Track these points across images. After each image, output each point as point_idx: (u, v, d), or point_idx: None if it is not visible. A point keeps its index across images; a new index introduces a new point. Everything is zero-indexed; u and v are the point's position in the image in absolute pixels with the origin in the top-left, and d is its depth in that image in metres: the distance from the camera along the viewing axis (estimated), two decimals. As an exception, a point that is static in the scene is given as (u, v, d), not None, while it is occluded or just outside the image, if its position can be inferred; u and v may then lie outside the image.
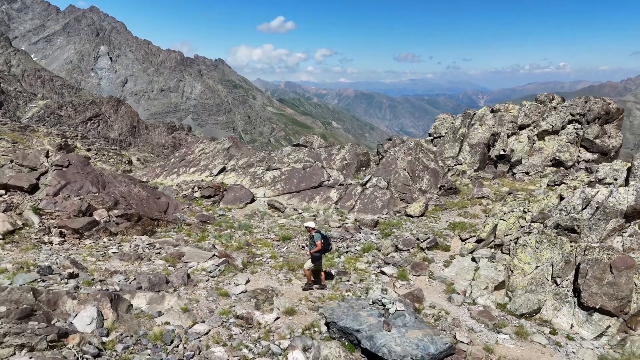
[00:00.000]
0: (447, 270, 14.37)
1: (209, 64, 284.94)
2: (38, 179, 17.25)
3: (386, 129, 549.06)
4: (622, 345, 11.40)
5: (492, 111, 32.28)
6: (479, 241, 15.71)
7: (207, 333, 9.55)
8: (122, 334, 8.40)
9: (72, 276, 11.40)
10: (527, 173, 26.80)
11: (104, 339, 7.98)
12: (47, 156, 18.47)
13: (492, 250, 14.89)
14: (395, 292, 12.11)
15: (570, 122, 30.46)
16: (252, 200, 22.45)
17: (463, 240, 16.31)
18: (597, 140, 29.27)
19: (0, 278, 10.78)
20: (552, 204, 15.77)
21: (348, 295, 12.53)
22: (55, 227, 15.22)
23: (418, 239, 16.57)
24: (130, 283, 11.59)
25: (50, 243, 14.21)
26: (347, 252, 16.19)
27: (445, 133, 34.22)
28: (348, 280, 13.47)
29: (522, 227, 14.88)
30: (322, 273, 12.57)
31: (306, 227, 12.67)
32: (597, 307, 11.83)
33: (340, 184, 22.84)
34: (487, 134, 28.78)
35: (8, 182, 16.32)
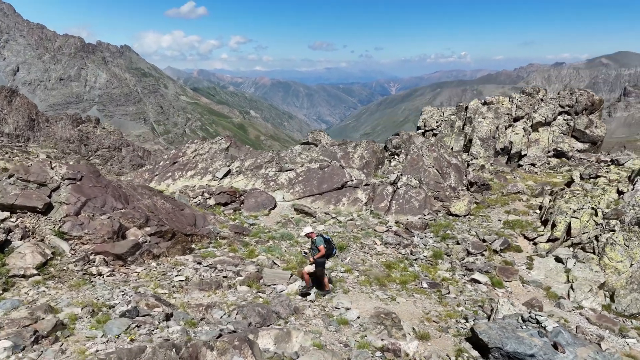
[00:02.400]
0: (534, 274, 14.10)
1: (114, 51, 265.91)
2: (50, 196, 14.63)
3: (304, 118, 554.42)
4: None
5: (485, 104, 32.93)
6: (551, 240, 15.63)
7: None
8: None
9: (168, 317, 9.62)
10: (533, 165, 27.64)
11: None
12: (51, 167, 15.75)
13: (571, 249, 14.84)
14: (516, 302, 11.53)
15: (560, 113, 31.86)
16: (275, 206, 20.91)
17: (530, 240, 16.19)
18: (587, 131, 30.90)
19: (84, 328, 8.78)
20: (612, 199, 16.02)
21: (462, 310, 11.80)
22: (92, 253, 12.95)
23: (484, 241, 16.21)
24: (235, 318, 10.00)
25: (100, 275, 12.03)
26: (416, 259, 15.43)
27: (437, 126, 34.44)
28: (448, 293, 12.72)
29: (599, 224, 14.96)
30: (326, 278, 11.99)
31: (305, 235, 12.10)
32: None
33: (365, 184, 21.95)
34: (492, 127, 29.28)
35: (16, 203, 13.58)
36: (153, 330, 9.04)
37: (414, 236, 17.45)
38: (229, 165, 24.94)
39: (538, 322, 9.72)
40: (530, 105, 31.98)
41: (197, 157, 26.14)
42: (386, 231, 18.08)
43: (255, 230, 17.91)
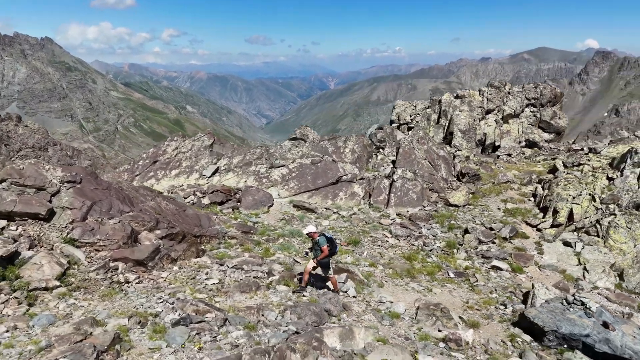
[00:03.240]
0: (546, 258, 14.84)
1: (33, 44, 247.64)
2: (50, 201, 13.58)
3: (244, 112, 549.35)
4: None
5: (457, 97, 34.07)
6: (554, 226, 16.49)
7: (449, 365, 8.50)
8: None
9: (224, 322, 9.26)
10: (509, 155, 28.96)
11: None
12: (46, 170, 14.60)
13: (575, 234, 15.73)
14: (550, 286, 12.08)
15: (527, 105, 33.57)
16: (273, 203, 20.57)
17: (533, 227, 17.00)
18: (552, 122, 32.79)
19: (141, 340, 8.30)
20: (603, 185, 17.10)
21: (496, 297, 12.22)
22: (109, 260, 12.16)
23: (492, 229, 16.83)
24: (290, 319, 9.79)
25: (127, 282, 11.34)
26: (430, 250, 15.77)
27: (412, 119, 35.20)
28: (476, 281, 13.12)
29: (598, 209, 15.96)
30: (334, 278, 11.53)
31: (307, 234, 11.52)
32: None
33: (360, 178, 22.10)
34: (470, 119, 30.33)
35: (15, 210, 12.47)
36: (216, 337, 8.68)
37: (421, 228, 17.81)
38: (215, 163, 24.21)
39: (583, 303, 10.24)
40: (500, 98, 33.47)
41: (179, 155, 25.15)
42: (391, 224, 18.32)
43: (262, 229, 17.55)
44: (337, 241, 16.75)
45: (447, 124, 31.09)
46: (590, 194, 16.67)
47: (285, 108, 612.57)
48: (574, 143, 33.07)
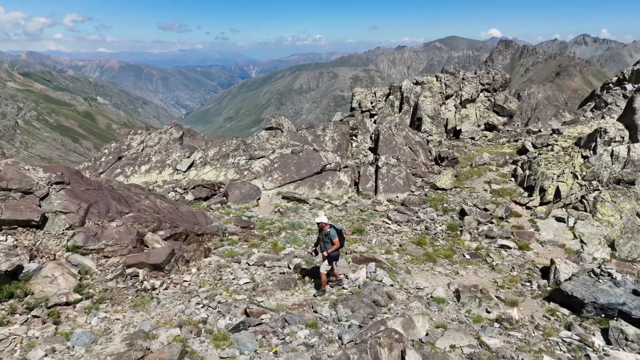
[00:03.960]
0: (544, 234, 15.70)
1: None
2: (39, 205, 12.16)
3: (161, 103, 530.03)
4: None
5: (416, 84, 34.89)
6: (543, 204, 17.44)
7: (518, 346, 8.74)
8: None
9: (285, 322, 8.82)
10: (473, 138, 30.21)
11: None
12: (27, 171, 13.02)
13: (564, 210, 16.76)
14: (568, 261, 12.75)
15: (482, 90, 35.16)
16: (261, 195, 19.93)
17: (522, 205, 17.87)
18: (505, 105, 34.65)
19: (207, 350, 7.76)
20: (579, 162, 18.37)
21: (517, 275, 12.73)
22: (124, 265, 11.14)
23: (486, 210, 17.47)
24: (344, 313, 9.53)
25: (153, 289, 10.46)
26: (435, 233, 16.09)
27: (373, 106, 35.59)
28: (492, 261, 13.58)
29: (582, 186, 17.10)
30: (336, 270, 11.12)
31: (318, 223, 10.72)
32: (686, 242, 14.54)
33: (345, 166, 22.01)
34: (435, 105, 31.15)
35: (2, 217, 11.01)
36: (284, 338, 8.28)
37: (417, 212, 18.10)
38: (189, 157, 22.95)
39: (609, 274, 10.92)
40: (457, 84, 34.75)
41: (147, 149, 23.55)
42: (386, 210, 18.47)
43: (260, 223, 16.95)
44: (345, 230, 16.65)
45: (411, 110, 31.77)
46: (572, 172, 17.84)
47: (205, 97, 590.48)
48: (526, 125, 35.18)
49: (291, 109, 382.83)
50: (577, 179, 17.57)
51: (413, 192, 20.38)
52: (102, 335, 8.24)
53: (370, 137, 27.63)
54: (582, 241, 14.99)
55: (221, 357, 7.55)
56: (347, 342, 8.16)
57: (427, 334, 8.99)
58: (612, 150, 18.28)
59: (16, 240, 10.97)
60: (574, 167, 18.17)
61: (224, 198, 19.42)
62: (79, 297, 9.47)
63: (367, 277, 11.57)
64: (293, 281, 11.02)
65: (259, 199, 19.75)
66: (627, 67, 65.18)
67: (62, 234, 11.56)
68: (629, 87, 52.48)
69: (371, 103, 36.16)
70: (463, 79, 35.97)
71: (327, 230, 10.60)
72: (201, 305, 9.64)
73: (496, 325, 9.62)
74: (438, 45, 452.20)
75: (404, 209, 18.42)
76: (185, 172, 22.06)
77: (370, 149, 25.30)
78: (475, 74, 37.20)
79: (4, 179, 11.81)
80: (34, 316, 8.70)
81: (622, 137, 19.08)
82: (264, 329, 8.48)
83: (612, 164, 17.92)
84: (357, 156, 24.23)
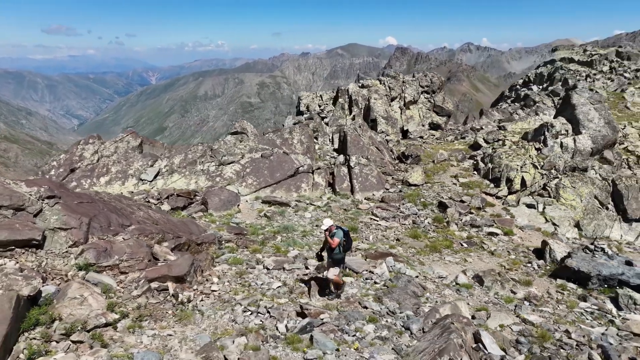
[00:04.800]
0: (520, 220, 17.13)
1: None
2: (34, 222, 10.97)
3: (48, 113, 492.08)
4: (655, 240, 16.58)
5: (362, 87, 36.01)
6: (511, 193, 18.97)
7: (554, 319, 9.59)
8: None
9: (348, 320, 8.85)
10: (421, 137, 31.79)
11: None
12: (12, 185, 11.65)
13: (530, 197, 18.40)
14: (558, 241, 14.04)
15: (422, 92, 37.19)
16: (240, 201, 19.45)
17: (492, 196, 19.29)
18: (443, 106, 36.98)
19: (287, 355, 7.64)
20: (534, 154, 20.32)
21: (515, 257, 13.79)
22: (145, 280, 10.44)
23: (463, 202, 18.61)
24: (393, 305, 9.74)
25: (188, 301, 9.90)
26: (424, 226, 16.84)
27: (322, 109, 36.11)
28: (488, 247, 14.56)
29: (543, 175, 18.89)
30: (337, 278, 10.27)
31: (326, 229, 10.14)
32: (637, 218, 16.77)
33: (317, 168, 22.18)
34: (386, 106, 32.30)
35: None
36: (355, 334, 8.33)
37: (399, 208, 18.78)
38: (152, 165, 21.69)
39: (602, 249, 12.27)
40: (399, 86, 36.42)
41: (103, 159, 21.86)
42: (369, 208, 18.94)
43: (252, 229, 16.56)
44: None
45: (363, 113, 32.73)
46: (532, 163, 19.64)
47: (100, 106, 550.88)
48: (464, 124, 37.74)
49: (196, 116, 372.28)
50: (537, 169, 19.39)
51: (388, 189, 21.10)
52: (165, 353, 7.72)
53: (330, 139, 28.08)
54: (554, 224, 16.60)
55: (307, 359, 7.41)
56: (416, 332, 8.40)
57: (473, 317, 9.50)
58: (561, 142, 20.41)
59: (17, 262, 9.85)
60: (532, 159, 20.01)
61: (203, 206, 18.67)
62: (117, 316, 8.74)
63: (389, 271, 11.88)
64: (326, 281, 10.99)
65: (239, 204, 19.27)
66: (531, 71, 72.19)
67: (66, 252, 10.56)
68: (535, 88, 58.27)
69: (319, 106, 36.67)
70: (404, 81, 37.78)
71: (334, 231, 10.10)
72: (249, 312, 9.35)
73: (526, 303, 10.41)
74: (340, 52, 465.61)
75: (386, 205, 19.02)
76: (151, 181, 20.84)
77: (335, 150, 25.71)
78: (413, 76, 39.25)
79: (-8, 196, 10.53)
80: (76, 342, 7.94)
81: (567, 131, 21.36)
82: (330, 328, 8.44)
83: (563, 154, 20.01)
84: (324, 158, 24.51)
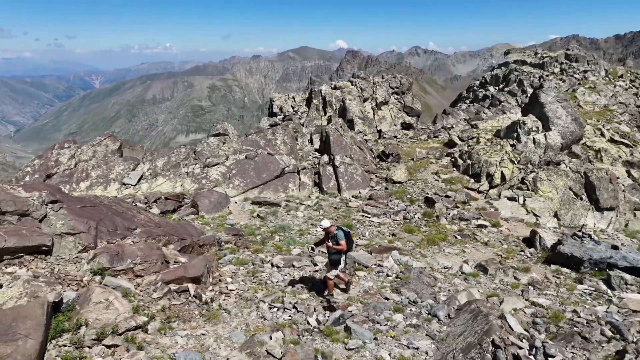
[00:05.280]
0: (503, 212, 18.01)
1: None
2: (39, 228, 10.58)
3: None
4: (625, 227, 17.97)
5: (334, 88, 36.44)
6: (492, 187, 19.88)
7: (559, 301, 10.27)
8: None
9: (375, 311, 9.12)
10: (395, 137, 32.53)
11: None
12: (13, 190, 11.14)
13: (510, 190, 19.38)
14: (547, 230, 14.89)
15: (392, 94, 38.08)
16: (230, 203, 19.33)
17: (474, 190, 20.12)
18: (413, 106, 38.05)
19: (329, 346, 7.87)
20: (510, 150, 21.43)
21: (507, 247, 14.53)
22: (162, 282, 10.30)
23: (448, 196, 19.33)
24: (412, 295, 10.09)
25: (212, 301, 9.86)
26: (415, 221, 17.36)
27: (296, 111, 36.26)
28: (481, 238, 15.24)
29: (521, 169, 19.93)
30: (331, 283, 10.05)
31: (324, 229, 10.02)
32: (608, 207, 18.05)
33: (303, 168, 22.34)
34: (360, 107, 32.82)
35: (7, 246, 9.44)
36: (387, 323, 8.60)
37: (387, 205, 19.25)
38: (134, 169, 21.12)
39: (589, 236, 13.17)
40: (370, 87, 37.15)
41: (81, 164, 21.07)
42: (359, 205, 19.31)
43: (248, 230, 16.52)
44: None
45: (338, 113, 33.12)
46: (509, 159, 20.67)
47: (39, 112, 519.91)
48: (434, 123, 38.91)
49: (144, 120, 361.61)
50: (515, 163, 20.43)
51: (374, 187, 21.56)
52: (204, 352, 7.71)
53: (309, 140, 28.29)
54: (535, 215, 17.58)
55: (350, 349, 7.61)
56: (443, 318, 8.78)
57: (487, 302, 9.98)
58: (534, 138, 21.60)
59: (29, 269, 9.51)
60: (509, 154, 21.06)
61: (194, 209, 18.40)
62: (145, 319, 8.61)
63: (397, 264, 12.26)
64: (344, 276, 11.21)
65: (229, 206, 19.13)
66: (487, 73, 75.14)
67: (77, 257, 10.28)
68: (492, 89, 60.79)
69: (292, 108, 36.79)
70: (374, 83, 38.56)
71: (334, 232, 9.86)
72: (275, 309, 9.44)
73: (531, 288, 11.05)
74: (292, 55, 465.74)
75: (375, 202, 19.44)
76: (135, 185, 20.30)
77: (316, 150, 25.94)
78: (382, 78, 40.12)
79: (-6, 202, 10.09)
80: (110, 346, 7.80)
81: (537, 127, 22.62)
82: (361, 319, 8.67)
83: (536, 149, 21.19)
84: (307, 158, 24.69)
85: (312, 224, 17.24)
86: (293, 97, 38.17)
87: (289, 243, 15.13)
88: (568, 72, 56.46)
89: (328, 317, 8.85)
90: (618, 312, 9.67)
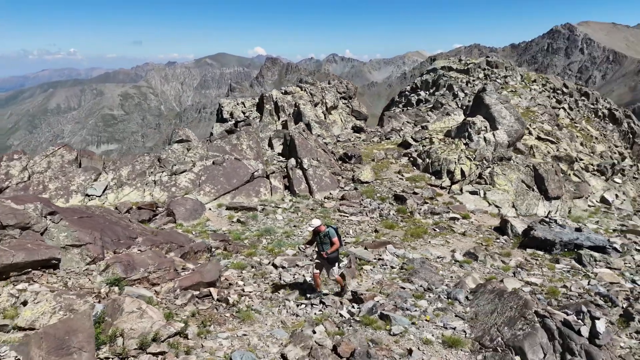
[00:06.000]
0: (468, 206, 19.41)
1: None
2: (43, 241, 9.97)
3: None
4: (569, 214, 20.14)
5: (285, 93, 36.72)
6: (454, 183, 21.30)
7: (547, 278, 11.49)
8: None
9: (401, 299, 9.67)
10: (349, 140, 33.43)
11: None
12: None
13: (470, 185, 20.93)
14: (516, 218, 16.30)
15: (340, 98, 39.14)
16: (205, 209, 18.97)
17: (437, 187, 21.43)
18: (360, 110, 39.37)
19: (373, 333, 8.36)
20: (463, 147, 23.15)
21: (483, 236, 15.77)
22: (179, 289, 10.14)
23: (415, 193, 20.43)
24: (423, 283, 10.76)
25: (237, 303, 9.85)
26: (391, 217, 18.20)
27: (247, 116, 36.04)
28: (458, 229, 16.37)
29: (478, 165, 21.58)
30: (339, 278, 10.17)
31: (314, 229, 10.02)
32: (555, 196, 20.12)
33: (272, 172, 22.43)
34: (314, 111, 33.29)
35: (15, 261, 8.86)
36: (416, 309, 9.11)
37: (361, 203, 19.95)
38: (95, 179, 19.98)
39: (555, 221, 14.71)
40: (319, 92, 37.90)
41: (35, 176, 19.56)
42: (334, 206, 19.82)
43: (233, 235, 16.37)
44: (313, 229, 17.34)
45: (293, 118, 33.44)
46: (466, 156, 22.26)
47: None
48: (381, 126, 40.39)
49: (48, 131, 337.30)
50: (472, 160, 22.05)
51: (343, 188, 22.18)
52: (254, 351, 7.82)
53: (269, 144, 28.37)
54: (496, 206, 19.16)
55: (394, 334, 8.06)
56: (463, 300, 9.52)
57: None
58: (484, 137, 23.45)
59: (41, 285, 9.02)
60: (465, 152, 22.69)
61: (171, 217, 17.84)
62: (182, 324, 8.51)
63: (396, 257, 12.92)
64: (352, 271, 11.63)
65: (205, 213, 18.76)
66: (417, 78, 79.16)
67: (86, 270, 9.86)
68: (422, 93, 64.16)
69: (243, 113, 36.54)
70: (322, 88, 39.39)
71: (326, 231, 9.90)
72: (303, 305, 9.69)
73: (519, 269, 12.18)
74: (209, 62, 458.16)
75: (348, 202, 20.05)
76: (100, 196, 19.23)
77: (279, 154, 26.10)
78: (329, 83, 41.09)
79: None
80: (157, 353, 7.71)
81: (486, 127, 24.55)
82: (391, 307, 9.16)
83: (487, 147, 23.04)
84: (273, 162, 24.77)
85: (294, 226, 17.46)
86: (243, 103, 37.90)
87: (280, 245, 15.24)
88: (491, 77, 61.16)
89: (359, 308, 9.23)
90: (598, 284, 11.01)
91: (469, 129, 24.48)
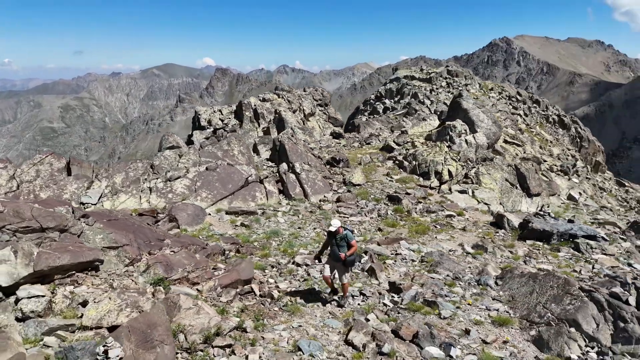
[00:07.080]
0: (460, 204, 20.31)
1: None
2: (82, 243, 9.78)
3: None
4: (548, 209, 21.40)
5: (263, 100, 36.85)
6: (442, 183, 22.20)
7: (555, 265, 12.37)
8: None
9: (436, 287, 10.16)
10: (329, 146, 33.89)
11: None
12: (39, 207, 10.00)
13: (458, 185, 21.91)
14: (511, 212, 17.25)
15: (316, 105, 39.67)
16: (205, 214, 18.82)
17: (426, 187, 22.26)
18: (336, 117, 40.06)
19: (425, 318, 8.81)
20: (446, 150, 24.24)
21: (482, 230, 16.61)
22: (220, 287, 10.20)
23: (408, 193, 21.15)
24: (450, 273, 11.30)
25: (278, 300, 10.04)
26: (390, 216, 18.77)
27: (226, 123, 35.84)
28: (457, 225, 17.13)
29: (463, 166, 22.63)
30: (347, 285, 9.76)
31: (333, 230, 9.58)
32: (536, 193, 21.42)
33: (265, 177, 22.53)
34: (295, 117, 33.52)
35: (62, 263, 8.69)
36: (455, 296, 9.61)
37: (358, 204, 20.43)
38: (88, 187, 19.37)
39: (548, 214, 15.75)
40: (297, 100, 38.29)
41: (24, 185, 18.72)
42: (332, 208, 20.18)
43: (242, 238, 16.38)
44: (318, 230, 17.62)
45: (275, 124, 33.60)
46: (452, 158, 23.26)
47: None
48: (358, 132, 41.17)
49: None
50: (457, 161, 23.08)
51: (336, 190, 22.58)
52: (317, 340, 8.05)
53: (254, 150, 28.40)
54: (485, 203, 20.17)
55: (444, 318, 8.52)
56: (493, 285, 10.13)
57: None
58: (466, 140, 24.62)
59: (88, 287, 8.91)
60: (450, 154, 23.73)
61: (173, 222, 17.56)
62: (238, 319, 8.65)
63: (410, 251, 13.43)
64: (379, 265, 12.01)
65: (206, 218, 18.62)
66: (382, 87, 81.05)
67: (126, 272, 9.75)
68: (387, 101, 65.91)
69: (222, 121, 36.33)
70: (299, 95, 39.81)
71: (344, 233, 9.55)
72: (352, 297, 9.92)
73: (529, 258, 12.99)
74: (156, 72, 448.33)
75: (345, 204, 20.46)
76: (96, 204, 18.65)
77: (267, 159, 26.21)
78: (304, 91, 41.57)
79: (28, 218, 9.22)
80: (224, 346, 7.84)
81: (466, 130, 25.78)
82: (430, 295, 9.62)
83: (469, 148, 24.20)
84: (262, 167, 24.85)
85: (299, 227, 17.65)
86: (220, 110, 37.65)
87: (291, 245, 15.41)
88: (453, 85, 63.87)
89: (400, 297, 9.62)
90: (603, 268, 11.96)
91: (450, 132, 25.61)
